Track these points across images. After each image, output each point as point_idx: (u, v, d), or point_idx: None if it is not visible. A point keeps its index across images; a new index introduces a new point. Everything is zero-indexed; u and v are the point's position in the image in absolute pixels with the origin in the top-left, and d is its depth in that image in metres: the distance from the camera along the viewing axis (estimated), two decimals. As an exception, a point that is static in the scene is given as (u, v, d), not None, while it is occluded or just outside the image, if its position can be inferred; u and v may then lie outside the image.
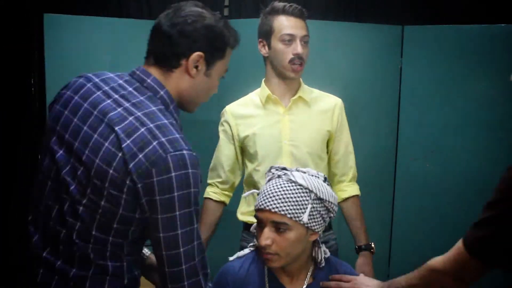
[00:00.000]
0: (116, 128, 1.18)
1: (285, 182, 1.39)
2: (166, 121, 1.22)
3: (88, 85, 1.30)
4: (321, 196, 1.38)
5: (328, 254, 1.52)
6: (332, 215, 1.45)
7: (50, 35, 2.87)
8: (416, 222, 2.99)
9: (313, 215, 1.38)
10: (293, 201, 1.36)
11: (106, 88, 1.28)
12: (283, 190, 1.37)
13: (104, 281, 1.23)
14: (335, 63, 2.90)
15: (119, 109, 1.22)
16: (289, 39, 1.87)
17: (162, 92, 1.28)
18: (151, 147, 1.16)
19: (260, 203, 1.40)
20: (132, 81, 1.30)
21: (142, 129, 1.18)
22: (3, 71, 2.93)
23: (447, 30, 2.93)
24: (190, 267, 1.22)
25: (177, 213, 1.18)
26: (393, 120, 3.03)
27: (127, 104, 1.23)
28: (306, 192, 1.37)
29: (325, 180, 1.47)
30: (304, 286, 1.47)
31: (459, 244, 1.15)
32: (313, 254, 1.48)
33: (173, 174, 1.16)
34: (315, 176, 1.44)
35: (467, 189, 2.87)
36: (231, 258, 1.54)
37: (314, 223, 1.39)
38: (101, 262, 1.22)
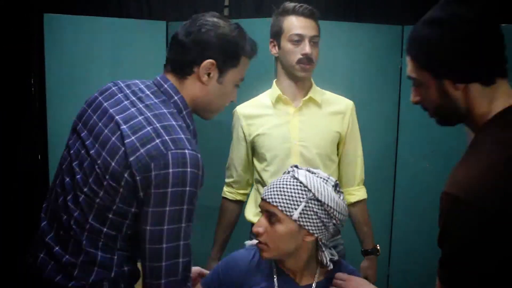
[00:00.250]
0: (124, 126, 1.26)
1: (288, 177, 1.41)
2: (174, 123, 1.27)
3: (114, 88, 1.40)
4: (319, 198, 1.37)
5: (336, 257, 1.49)
6: (335, 221, 1.41)
7: (50, 35, 2.87)
8: (416, 222, 2.99)
9: (307, 214, 1.37)
10: (287, 195, 1.37)
11: (128, 91, 1.37)
12: (283, 184, 1.40)
13: (91, 271, 1.26)
14: (335, 63, 2.90)
15: (132, 109, 1.30)
16: (298, 40, 1.87)
17: (176, 98, 1.35)
18: (153, 143, 1.21)
19: (263, 193, 1.45)
20: (152, 86, 1.38)
21: (148, 128, 1.24)
22: (3, 71, 2.93)
23: (447, 30, 2.93)
24: (170, 265, 1.23)
25: (167, 208, 1.21)
26: (393, 120, 3.03)
27: (140, 105, 1.31)
28: (304, 190, 1.37)
29: (335, 186, 1.44)
30: (314, 285, 1.47)
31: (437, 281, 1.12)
32: (319, 258, 1.46)
33: (170, 170, 1.19)
34: (323, 179, 1.42)
35: (467, 189, 2.86)
36: (249, 243, 1.56)
37: (307, 223, 1.38)
38: (92, 250, 1.26)
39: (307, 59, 1.87)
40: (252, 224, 2.02)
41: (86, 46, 2.92)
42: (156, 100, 1.33)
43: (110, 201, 1.24)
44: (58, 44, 2.89)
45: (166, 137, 1.22)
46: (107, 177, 1.23)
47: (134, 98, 1.33)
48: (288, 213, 1.37)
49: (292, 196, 1.37)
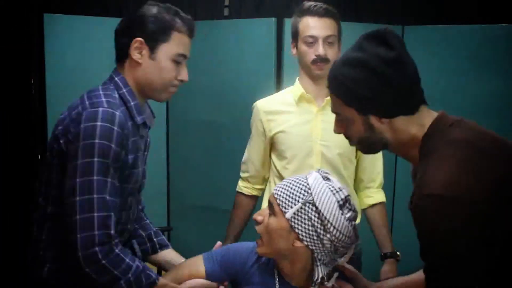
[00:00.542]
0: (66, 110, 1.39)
1: (302, 176, 1.38)
2: (101, 93, 1.36)
3: None
4: (317, 204, 1.30)
5: (325, 278, 1.36)
6: (330, 237, 1.30)
7: (50, 35, 2.87)
8: (416, 222, 2.98)
9: (300, 217, 1.31)
10: (289, 192, 1.34)
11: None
12: (292, 181, 1.37)
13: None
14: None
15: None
16: (311, 41, 1.87)
17: (116, 79, 1.43)
18: (76, 110, 1.32)
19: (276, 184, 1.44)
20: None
21: (78, 101, 1.36)
22: (3, 71, 2.93)
23: (447, 30, 2.93)
24: (84, 219, 1.24)
25: (79, 161, 1.26)
26: (393, 120, 3.02)
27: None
28: (306, 191, 1.33)
29: (344, 201, 1.32)
30: None
31: None
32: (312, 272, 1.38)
33: (82, 125, 1.27)
34: (333, 189, 1.33)
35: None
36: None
37: (299, 226, 1.32)
38: (67, 201, 1.29)
39: (321, 60, 1.87)
40: None
41: (86, 46, 2.92)
42: (100, 86, 1.42)
43: (54, 162, 1.35)
44: (58, 44, 2.90)
45: (87, 102, 1.32)
46: (47, 155, 1.37)
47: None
48: (283, 209, 1.33)
49: (292, 194, 1.34)
